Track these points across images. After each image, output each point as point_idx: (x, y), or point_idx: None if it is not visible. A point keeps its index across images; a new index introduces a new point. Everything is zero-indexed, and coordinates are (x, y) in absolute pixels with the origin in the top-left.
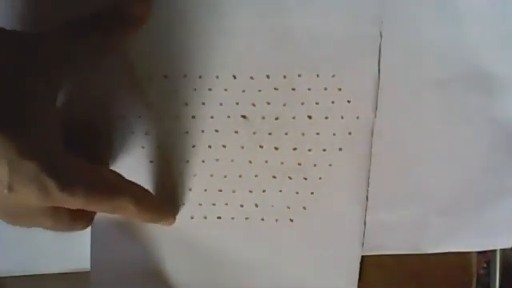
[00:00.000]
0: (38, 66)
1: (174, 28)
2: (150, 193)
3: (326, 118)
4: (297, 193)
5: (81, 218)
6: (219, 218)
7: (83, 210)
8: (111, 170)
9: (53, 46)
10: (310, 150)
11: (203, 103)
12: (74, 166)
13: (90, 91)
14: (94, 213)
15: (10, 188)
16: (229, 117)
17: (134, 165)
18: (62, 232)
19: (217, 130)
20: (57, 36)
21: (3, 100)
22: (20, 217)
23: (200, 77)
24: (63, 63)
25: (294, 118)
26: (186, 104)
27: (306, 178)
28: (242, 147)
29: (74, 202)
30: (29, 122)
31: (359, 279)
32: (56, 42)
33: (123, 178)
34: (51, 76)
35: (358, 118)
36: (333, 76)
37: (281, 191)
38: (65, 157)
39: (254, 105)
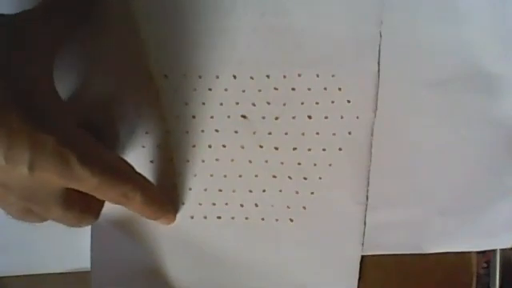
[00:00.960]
0: (28, 44)
1: (174, 28)
2: (156, 187)
3: (326, 117)
4: (297, 193)
5: (89, 211)
6: (219, 217)
7: (91, 203)
8: (122, 158)
9: (38, 25)
10: (309, 150)
11: (203, 103)
12: (92, 143)
13: (91, 91)
14: (101, 207)
15: (31, 166)
16: (229, 117)
17: (134, 164)
18: (68, 225)
19: (217, 130)
20: (39, 13)
21: (8, 82)
22: (33, 202)
23: (200, 77)
24: (50, 40)
25: (293, 117)
26: (186, 104)
27: (305, 178)
28: (242, 147)
29: (91, 182)
30: (38, 100)
31: (359, 279)
32: (40, 19)
33: (133, 167)
34: (42, 55)
35: (357, 117)
36: (333, 76)
37: (281, 191)
38: (82, 133)
39: (254, 105)
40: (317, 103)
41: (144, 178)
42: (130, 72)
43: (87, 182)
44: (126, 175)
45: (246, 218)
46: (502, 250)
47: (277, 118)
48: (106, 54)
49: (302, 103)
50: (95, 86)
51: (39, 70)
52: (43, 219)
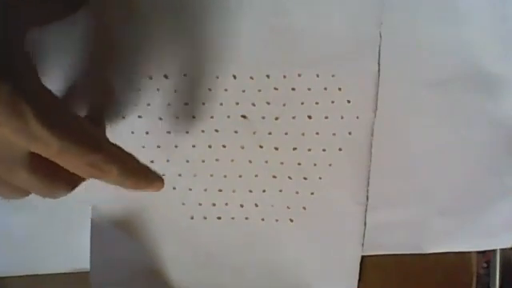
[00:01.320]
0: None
1: (175, 28)
2: (135, 157)
3: (326, 117)
4: (297, 193)
5: (61, 180)
6: (219, 218)
7: (64, 171)
8: (95, 127)
9: None
10: (309, 150)
11: (203, 103)
12: (55, 102)
13: (90, 91)
14: (78, 178)
15: None
16: (229, 117)
17: None
18: (39, 194)
19: (217, 130)
20: None
21: None
22: None
23: (200, 77)
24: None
25: (293, 117)
26: (186, 104)
27: (305, 178)
28: (242, 147)
29: (51, 144)
30: (4, 50)
31: (359, 279)
32: None
33: (107, 138)
34: (27, 14)
35: (357, 117)
36: (333, 76)
37: (281, 191)
38: (45, 90)
39: (253, 105)
40: (317, 103)
41: (120, 148)
42: (130, 72)
43: (47, 144)
44: (96, 144)
45: (246, 218)
46: (502, 250)
47: (277, 118)
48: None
49: (302, 103)
50: (95, 85)
51: (16, 27)
52: (11, 187)
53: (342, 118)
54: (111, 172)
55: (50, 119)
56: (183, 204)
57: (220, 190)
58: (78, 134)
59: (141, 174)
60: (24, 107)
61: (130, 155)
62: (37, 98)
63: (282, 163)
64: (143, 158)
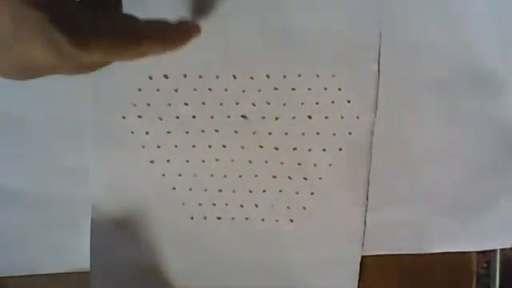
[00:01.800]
0: None
1: None
2: (167, 23)
3: (326, 117)
4: (297, 193)
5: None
6: (219, 218)
7: None
8: (127, 15)
9: None
10: (310, 150)
11: (203, 103)
12: (89, 18)
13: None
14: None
15: (15, 39)
16: (229, 117)
17: (133, 165)
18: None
19: (217, 130)
20: None
21: None
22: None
23: (200, 77)
24: None
25: (293, 118)
26: (186, 104)
27: (305, 178)
28: (242, 147)
29: (92, 57)
30: None
31: (359, 279)
32: None
33: (139, 20)
34: None
35: (357, 117)
36: (333, 76)
37: (281, 191)
38: (77, 8)
39: (254, 105)
40: (317, 103)
41: (154, 23)
42: (130, 72)
43: (87, 59)
44: (137, 35)
45: (246, 219)
46: (502, 250)
47: (277, 118)
48: None
49: (302, 103)
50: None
51: None
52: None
53: (342, 117)
54: (153, 49)
55: (87, 37)
56: (183, 204)
57: (220, 190)
58: (119, 37)
59: (179, 36)
60: (57, 36)
61: (163, 24)
62: (69, 19)
63: (282, 163)
64: (143, 158)
